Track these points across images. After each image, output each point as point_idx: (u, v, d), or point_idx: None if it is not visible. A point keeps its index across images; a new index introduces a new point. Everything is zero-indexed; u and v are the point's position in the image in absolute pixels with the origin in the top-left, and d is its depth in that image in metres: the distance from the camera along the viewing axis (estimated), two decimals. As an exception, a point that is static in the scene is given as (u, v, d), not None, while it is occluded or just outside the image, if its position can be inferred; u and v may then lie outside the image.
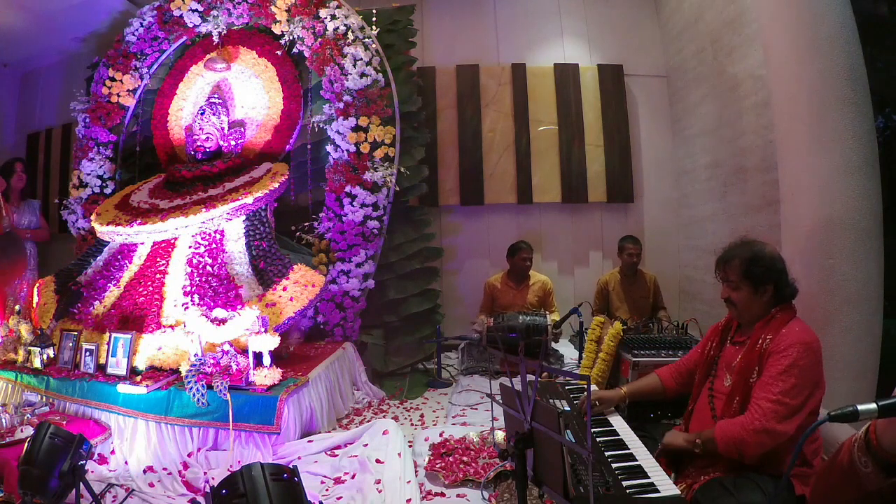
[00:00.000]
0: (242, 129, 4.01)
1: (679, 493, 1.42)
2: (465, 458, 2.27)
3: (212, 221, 3.40)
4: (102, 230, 3.61)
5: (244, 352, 2.68)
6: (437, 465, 2.25)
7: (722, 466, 1.59)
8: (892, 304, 2.51)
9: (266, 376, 2.59)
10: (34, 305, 3.44)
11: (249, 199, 3.45)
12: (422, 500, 2.09)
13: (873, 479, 0.91)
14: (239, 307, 2.90)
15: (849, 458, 0.94)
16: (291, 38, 3.87)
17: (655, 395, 1.98)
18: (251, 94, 4.06)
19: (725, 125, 3.83)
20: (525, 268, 4.00)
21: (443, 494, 2.12)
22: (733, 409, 1.62)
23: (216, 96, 4.07)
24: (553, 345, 3.71)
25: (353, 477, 2.26)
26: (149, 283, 3.25)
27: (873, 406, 0.87)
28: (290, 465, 1.62)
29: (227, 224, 3.44)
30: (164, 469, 2.46)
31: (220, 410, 2.50)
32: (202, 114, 3.97)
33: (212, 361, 2.61)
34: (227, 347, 2.70)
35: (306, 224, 3.70)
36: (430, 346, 3.82)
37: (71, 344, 2.91)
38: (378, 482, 2.16)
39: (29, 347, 2.96)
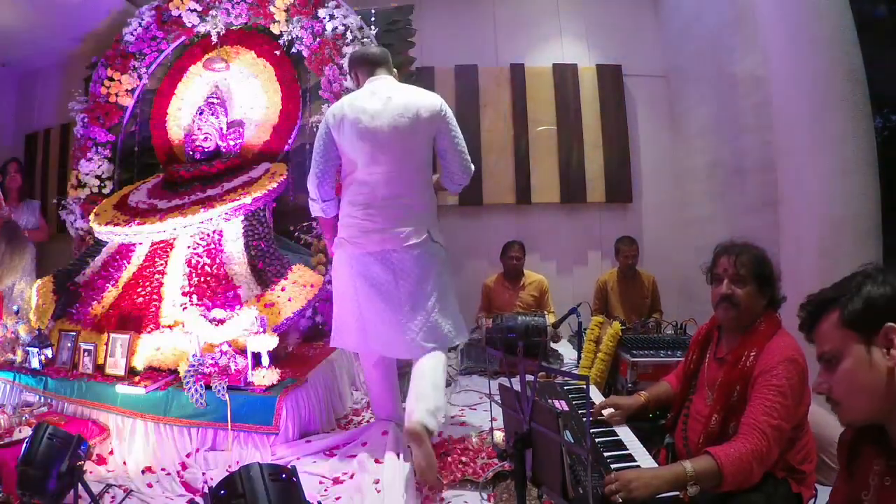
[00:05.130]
0: (241, 130, 4.00)
1: (678, 493, 1.42)
2: (463, 459, 2.27)
3: (210, 222, 3.39)
4: (100, 230, 3.60)
5: (243, 352, 2.67)
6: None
7: None
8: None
9: (265, 376, 2.58)
10: (33, 306, 3.44)
11: (248, 200, 3.45)
12: (420, 501, 2.09)
13: None
14: (237, 307, 2.90)
15: None
16: (290, 37, 3.86)
17: (672, 402, 1.89)
18: (249, 95, 4.06)
19: (724, 125, 3.84)
20: (514, 266, 4.02)
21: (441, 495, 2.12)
22: (710, 428, 1.54)
23: (215, 96, 4.07)
24: (552, 345, 3.71)
25: (351, 477, 2.26)
26: (147, 283, 3.24)
27: None
28: (289, 466, 1.61)
29: (225, 224, 3.44)
30: (163, 469, 2.45)
31: (218, 411, 2.50)
32: (201, 114, 3.97)
33: (210, 362, 2.61)
34: (225, 348, 2.70)
35: (305, 224, 3.69)
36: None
37: (69, 344, 2.90)
38: (377, 482, 2.16)
39: (27, 348, 2.95)
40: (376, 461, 2.28)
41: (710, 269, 1.68)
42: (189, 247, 3.37)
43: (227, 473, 1.57)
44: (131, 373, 2.76)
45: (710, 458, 1.38)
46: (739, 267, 1.57)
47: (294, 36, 3.83)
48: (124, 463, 2.51)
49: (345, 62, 3.61)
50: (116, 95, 4.16)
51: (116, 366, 2.76)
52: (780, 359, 1.47)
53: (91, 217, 3.78)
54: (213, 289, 3.11)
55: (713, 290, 1.65)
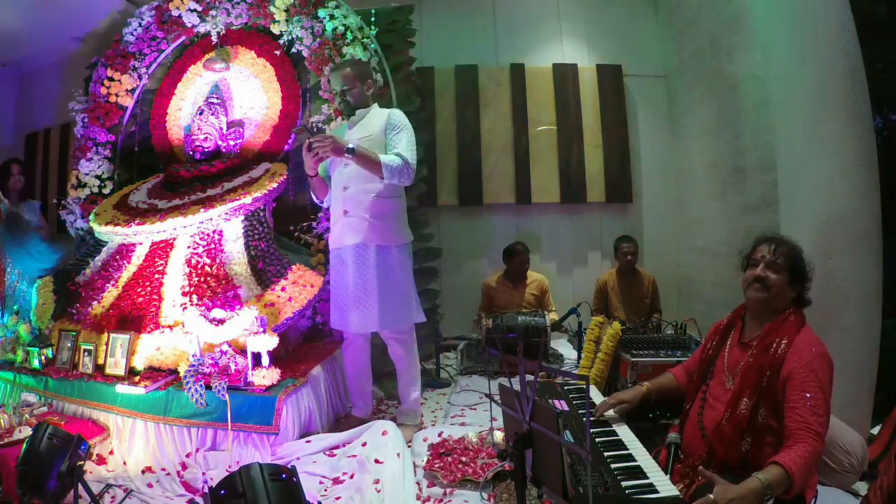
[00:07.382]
0: (241, 130, 4.00)
1: (678, 493, 1.42)
2: (463, 459, 2.27)
3: (210, 221, 3.39)
4: (101, 230, 3.60)
5: (243, 352, 2.68)
6: (436, 465, 2.25)
7: (718, 466, 1.59)
8: (891, 304, 2.51)
9: (265, 376, 2.59)
10: (33, 306, 3.44)
11: (248, 199, 3.45)
12: (420, 501, 2.09)
13: None
14: (237, 307, 2.90)
15: None
16: (290, 37, 3.86)
17: (675, 393, 1.93)
18: (250, 94, 4.05)
19: (724, 125, 3.84)
20: (523, 271, 4.03)
21: (441, 494, 2.12)
22: (739, 412, 1.58)
23: (215, 96, 4.06)
24: (552, 345, 3.71)
25: (351, 477, 2.26)
26: (147, 283, 3.24)
27: None
28: (289, 466, 1.62)
29: (225, 224, 3.44)
30: (163, 469, 2.46)
31: (218, 411, 2.50)
32: (201, 114, 3.96)
33: (210, 362, 2.61)
34: (225, 348, 2.70)
35: (305, 224, 3.69)
36: (429, 346, 3.81)
37: (69, 344, 2.90)
38: (377, 482, 2.16)
39: (27, 348, 2.95)
40: (376, 461, 2.29)
41: (747, 255, 1.76)
42: (189, 247, 3.37)
43: (227, 473, 1.57)
44: (131, 373, 2.76)
45: (779, 467, 1.40)
46: (777, 255, 1.67)
47: (294, 36, 3.83)
48: (124, 463, 2.52)
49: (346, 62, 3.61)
50: (116, 95, 4.16)
51: (116, 366, 2.76)
52: (815, 353, 1.54)
53: (91, 217, 3.78)
54: (213, 289, 3.11)
55: (747, 273, 1.72)
